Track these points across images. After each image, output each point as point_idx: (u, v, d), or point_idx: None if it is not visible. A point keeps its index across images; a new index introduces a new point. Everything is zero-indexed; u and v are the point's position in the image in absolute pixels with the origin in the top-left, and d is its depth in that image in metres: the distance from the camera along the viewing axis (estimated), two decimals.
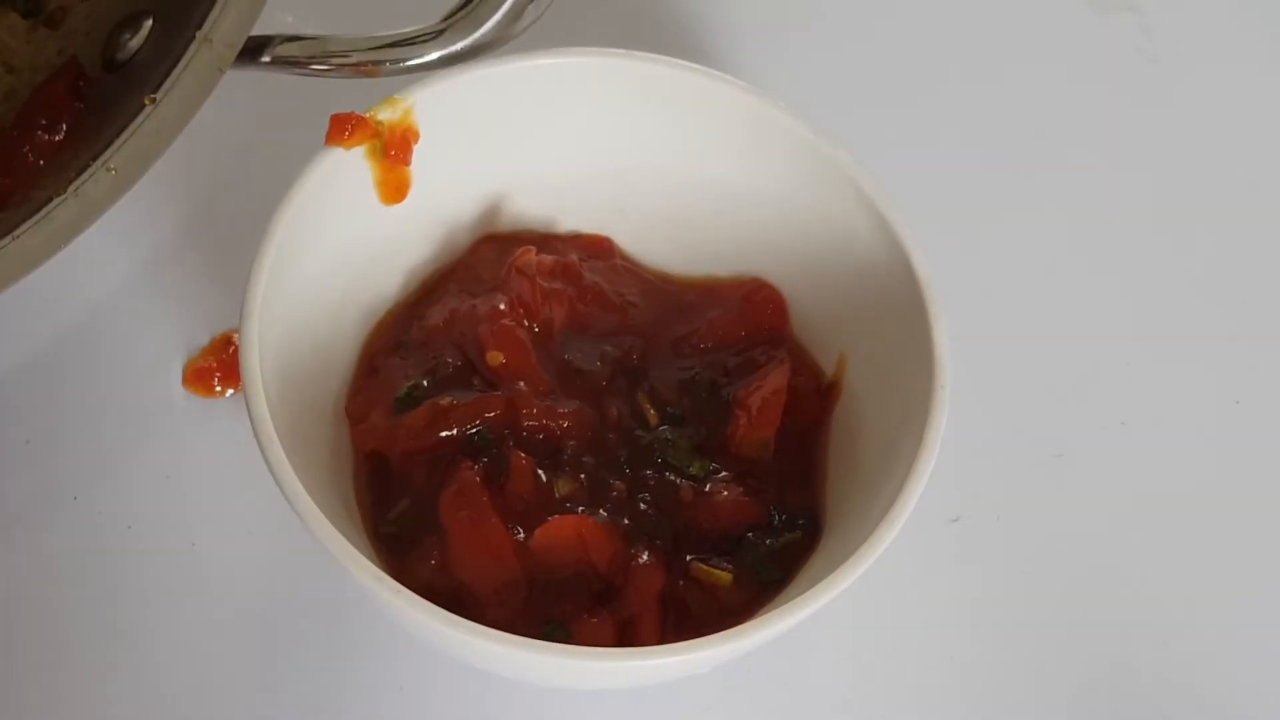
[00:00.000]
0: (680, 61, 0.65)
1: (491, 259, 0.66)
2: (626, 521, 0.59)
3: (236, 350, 0.67)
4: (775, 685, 0.63)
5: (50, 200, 0.59)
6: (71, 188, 0.59)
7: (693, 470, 0.61)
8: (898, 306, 0.60)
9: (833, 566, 0.54)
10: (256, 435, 0.54)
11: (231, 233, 0.70)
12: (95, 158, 0.60)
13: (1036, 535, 0.68)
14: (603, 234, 0.68)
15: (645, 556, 0.57)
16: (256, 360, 0.56)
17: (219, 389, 0.68)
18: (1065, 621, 0.66)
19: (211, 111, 0.71)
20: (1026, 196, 0.78)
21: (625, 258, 0.68)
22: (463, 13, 0.64)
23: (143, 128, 0.61)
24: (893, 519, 0.54)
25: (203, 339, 0.69)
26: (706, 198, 0.67)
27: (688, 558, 0.58)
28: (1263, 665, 0.66)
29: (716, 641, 0.52)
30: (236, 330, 0.66)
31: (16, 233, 0.58)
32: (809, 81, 0.79)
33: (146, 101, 0.61)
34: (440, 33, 0.64)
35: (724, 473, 0.61)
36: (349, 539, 0.53)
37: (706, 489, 0.60)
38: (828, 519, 0.61)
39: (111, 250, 0.72)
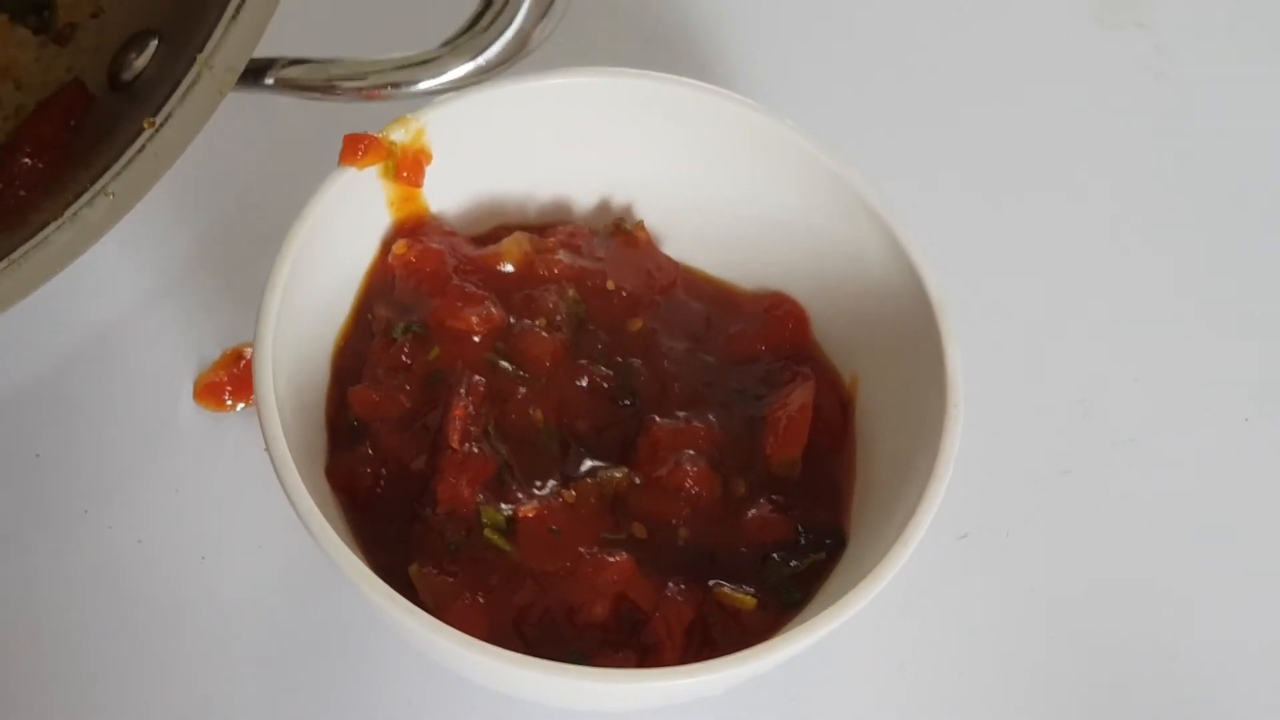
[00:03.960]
0: (692, 81, 0.65)
1: None
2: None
3: (247, 364, 0.68)
4: (783, 699, 0.63)
5: (47, 224, 0.59)
6: (69, 212, 0.59)
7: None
8: (910, 327, 0.60)
9: (846, 589, 0.54)
10: (271, 456, 0.54)
11: (242, 248, 0.71)
12: (93, 181, 0.60)
13: (1045, 551, 0.68)
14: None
15: (677, 589, 0.57)
16: (270, 380, 0.55)
17: (230, 403, 0.68)
18: (1073, 637, 0.66)
19: (223, 128, 0.71)
20: (1034, 213, 0.78)
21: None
22: (466, 35, 0.64)
23: (142, 152, 0.61)
24: (906, 541, 0.54)
25: (213, 353, 0.69)
26: (718, 218, 0.66)
27: (710, 582, 0.58)
28: (1272, 681, 0.66)
29: (729, 664, 0.52)
30: (247, 344, 0.67)
31: (13, 257, 0.58)
32: (819, 101, 0.79)
33: (146, 125, 0.61)
34: (443, 56, 0.65)
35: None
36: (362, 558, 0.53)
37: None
38: (851, 538, 0.61)
39: (122, 265, 0.72)
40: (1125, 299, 0.76)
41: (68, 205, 0.59)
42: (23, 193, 0.65)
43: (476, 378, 0.59)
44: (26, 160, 0.66)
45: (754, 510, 0.60)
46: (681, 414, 0.61)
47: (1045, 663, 0.65)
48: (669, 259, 0.67)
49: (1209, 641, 0.66)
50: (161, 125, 0.61)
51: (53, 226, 0.59)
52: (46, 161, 0.66)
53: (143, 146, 0.61)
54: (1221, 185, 0.80)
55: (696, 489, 0.59)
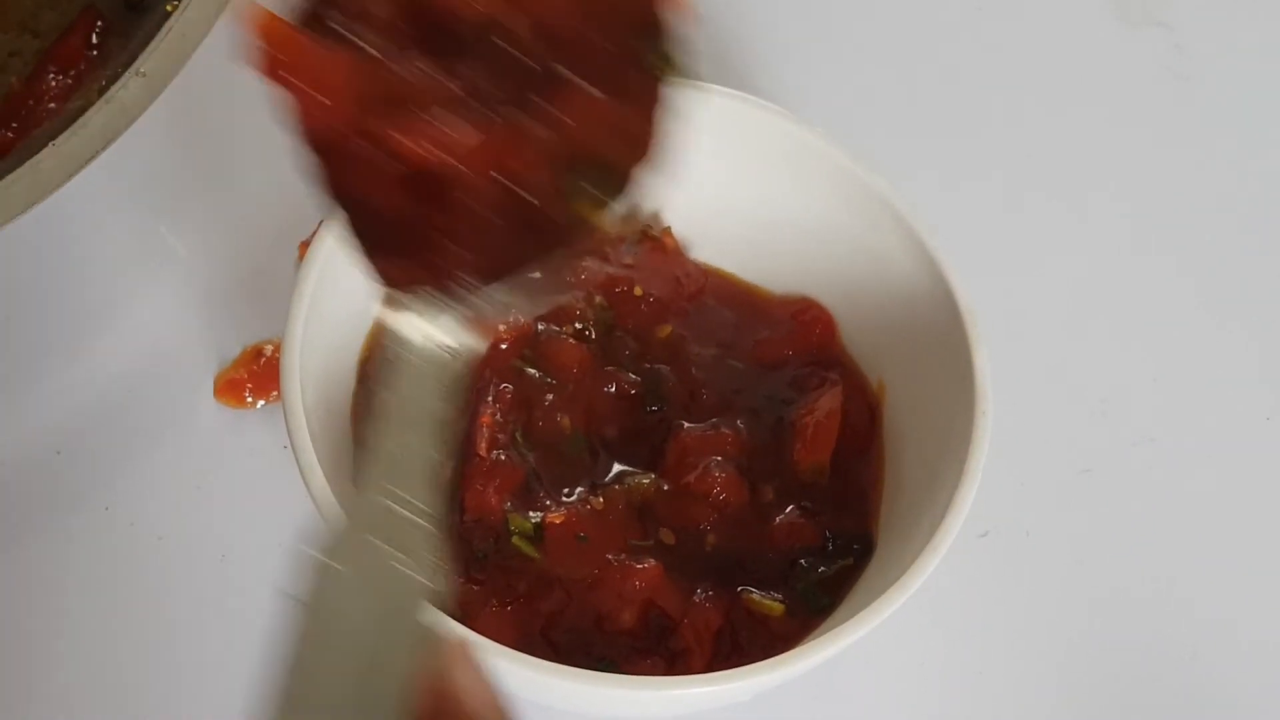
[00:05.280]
0: (718, 87, 0.65)
1: None
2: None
3: (268, 361, 0.67)
4: (804, 697, 0.63)
5: (85, 109, 0.60)
6: (104, 96, 0.60)
7: None
8: (937, 333, 0.60)
9: (875, 595, 0.54)
10: (299, 464, 0.54)
11: (261, 244, 0.71)
12: (125, 66, 0.61)
13: (1065, 550, 0.68)
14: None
15: (705, 595, 0.57)
16: (298, 388, 0.55)
17: (250, 400, 0.68)
18: (1093, 636, 0.66)
19: (244, 125, 0.71)
20: (1055, 212, 0.78)
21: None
22: None
23: (170, 33, 0.62)
24: (934, 547, 0.54)
25: (234, 350, 0.69)
26: (745, 224, 0.66)
27: (738, 588, 0.58)
28: None
29: (758, 671, 0.52)
30: (268, 341, 0.67)
31: (55, 141, 0.59)
32: (841, 104, 0.79)
33: (169, 8, 0.62)
34: None
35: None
36: None
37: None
38: (878, 543, 0.61)
39: (143, 263, 0.72)
40: (1146, 299, 0.76)
41: (102, 91, 0.61)
42: (52, 105, 0.66)
43: (504, 385, 0.59)
44: (53, 78, 0.66)
45: (781, 516, 0.60)
46: (710, 420, 0.61)
47: (1065, 661, 0.65)
48: (696, 265, 0.67)
49: (1229, 640, 0.67)
50: (185, 6, 0.62)
51: (90, 110, 0.60)
52: (73, 77, 0.67)
53: (170, 27, 0.62)
54: (1242, 186, 0.80)
55: (725, 495, 0.59)
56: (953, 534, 0.55)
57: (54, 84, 0.67)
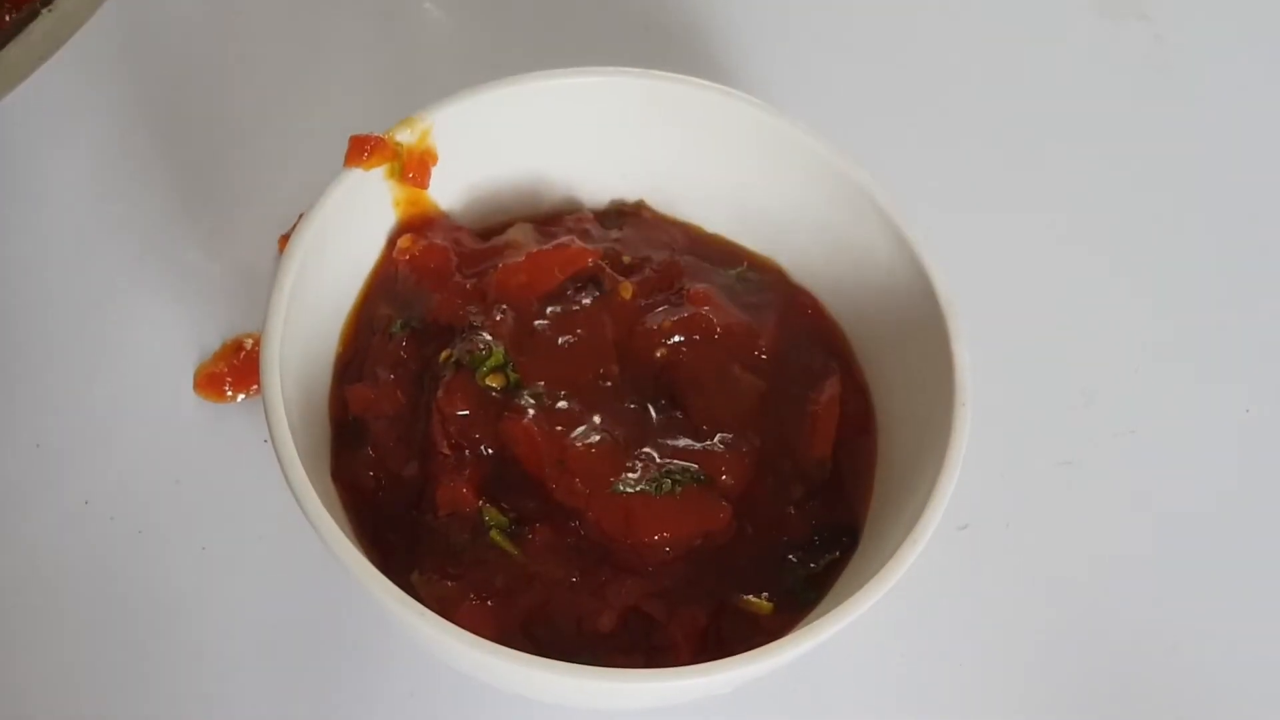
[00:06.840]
0: (698, 80, 0.65)
1: None
2: None
3: (248, 355, 0.67)
4: (785, 689, 0.63)
5: (30, 20, 0.61)
6: (48, 7, 0.61)
7: None
8: (917, 325, 0.60)
9: (856, 588, 0.54)
10: (279, 458, 0.54)
11: (242, 239, 0.71)
12: None
13: (1045, 542, 0.68)
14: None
15: (691, 595, 0.57)
16: (278, 382, 0.55)
17: (230, 394, 0.68)
18: (1073, 627, 0.66)
19: (227, 125, 0.71)
20: (1038, 204, 0.78)
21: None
22: None
23: None
24: (914, 540, 0.54)
25: (214, 344, 0.69)
26: (726, 216, 0.66)
27: (727, 587, 0.58)
28: (1271, 671, 0.66)
29: (739, 664, 0.52)
30: (248, 335, 0.67)
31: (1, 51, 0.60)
32: (820, 96, 0.79)
33: None
34: None
35: None
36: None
37: None
38: (863, 535, 0.60)
39: (123, 257, 0.72)
40: (1127, 291, 0.76)
41: (46, 3, 0.62)
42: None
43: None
44: (8, 16, 0.66)
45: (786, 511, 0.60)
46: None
47: (1044, 652, 0.65)
48: (679, 225, 0.67)
49: (1209, 632, 0.67)
50: None
51: (35, 20, 0.61)
52: (27, 12, 0.66)
53: None
54: (1222, 178, 0.80)
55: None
56: (932, 526, 0.55)
57: (7, 20, 0.66)
